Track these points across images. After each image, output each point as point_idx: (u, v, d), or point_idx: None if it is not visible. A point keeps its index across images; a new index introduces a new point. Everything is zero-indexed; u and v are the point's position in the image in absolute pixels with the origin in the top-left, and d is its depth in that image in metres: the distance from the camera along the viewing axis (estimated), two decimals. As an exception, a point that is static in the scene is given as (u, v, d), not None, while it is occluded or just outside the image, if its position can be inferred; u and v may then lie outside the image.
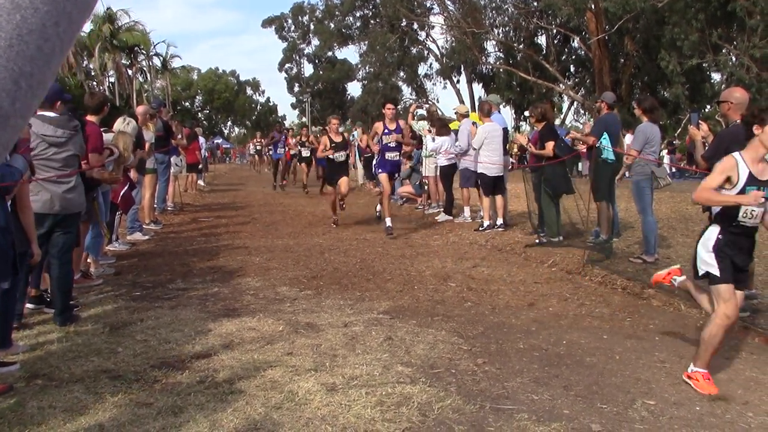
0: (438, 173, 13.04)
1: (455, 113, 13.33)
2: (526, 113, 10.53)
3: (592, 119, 26.85)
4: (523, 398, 4.00)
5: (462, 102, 40.94)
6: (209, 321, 5.55)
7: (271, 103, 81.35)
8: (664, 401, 4.02)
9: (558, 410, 3.83)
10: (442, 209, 12.99)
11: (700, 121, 6.55)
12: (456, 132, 12.37)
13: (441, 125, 12.98)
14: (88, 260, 7.23)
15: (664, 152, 26.81)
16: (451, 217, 12.36)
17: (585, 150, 11.16)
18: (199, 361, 4.53)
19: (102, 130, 6.96)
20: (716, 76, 29.31)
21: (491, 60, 40.55)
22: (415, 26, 43.42)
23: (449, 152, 12.14)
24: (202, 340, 5.01)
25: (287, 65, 63.34)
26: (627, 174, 8.87)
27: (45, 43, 0.50)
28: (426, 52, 46.99)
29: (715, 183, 4.34)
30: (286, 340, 5.02)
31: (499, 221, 11.06)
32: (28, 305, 5.78)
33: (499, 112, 11.72)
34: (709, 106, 28.79)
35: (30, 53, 0.49)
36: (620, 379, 4.41)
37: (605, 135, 8.81)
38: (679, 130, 30.68)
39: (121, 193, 7.78)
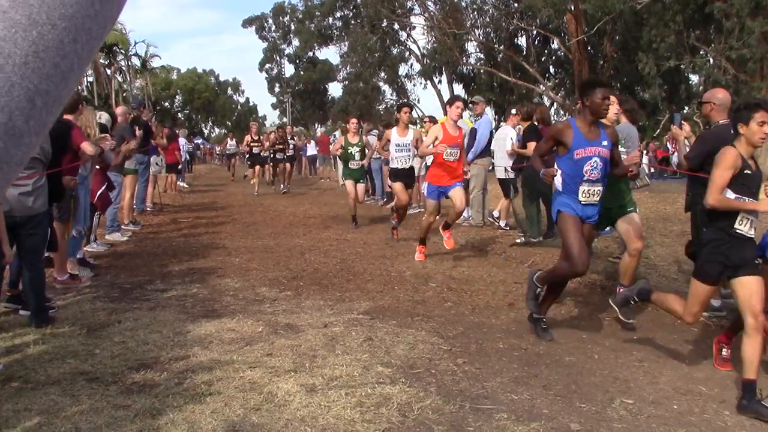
0: (422, 173, 13.05)
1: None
2: (513, 111, 10.62)
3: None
4: (503, 398, 4.02)
5: (443, 103, 41.01)
6: (188, 322, 5.51)
7: (251, 104, 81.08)
8: (643, 400, 4.05)
9: (537, 410, 3.85)
10: (423, 209, 12.99)
11: (682, 122, 6.60)
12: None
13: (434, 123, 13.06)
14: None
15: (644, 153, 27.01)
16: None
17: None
18: (178, 363, 4.50)
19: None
20: (694, 78, 29.64)
21: (472, 61, 40.68)
22: (396, 27, 43.42)
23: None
24: (181, 342, 4.97)
25: (268, 65, 63.08)
26: None
27: (62, 60, 0.50)
28: (407, 53, 47.04)
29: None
30: (265, 341, 5.00)
31: (502, 222, 11.08)
32: (6, 305, 5.73)
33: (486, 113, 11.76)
34: (687, 108, 29.07)
35: (46, 71, 0.49)
36: (599, 379, 4.44)
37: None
38: (658, 130, 30.97)
39: (98, 193, 7.71)
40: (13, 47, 0.47)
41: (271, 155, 19.39)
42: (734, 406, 4.01)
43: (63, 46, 0.49)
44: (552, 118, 13.51)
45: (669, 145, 26.94)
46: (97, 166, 7.56)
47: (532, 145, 9.44)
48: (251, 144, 19.10)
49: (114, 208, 9.66)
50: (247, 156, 20.20)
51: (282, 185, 19.34)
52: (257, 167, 18.96)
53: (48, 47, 0.48)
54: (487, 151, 11.32)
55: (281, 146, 19.08)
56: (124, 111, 10.61)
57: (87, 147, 6.45)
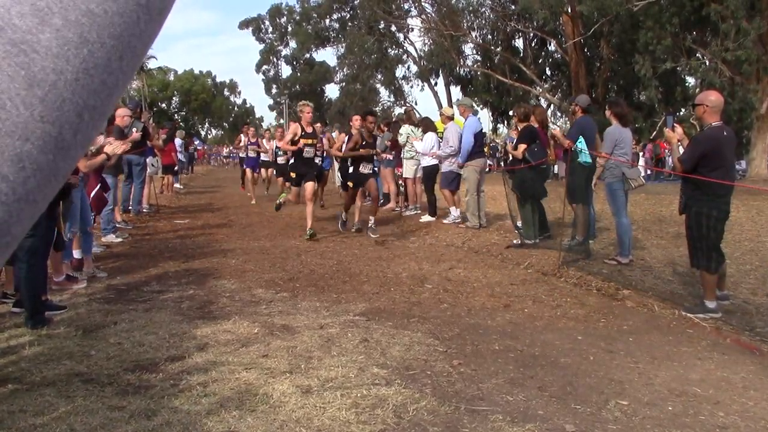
0: (418, 174, 13.14)
1: (441, 115, 13.36)
2: (511, 112, 10.64)
3: (568, 122, 27.09)
4: (498, 399, 4.02)
5: (440, 104, 41.12)
6: (184, 323, 5.51)
7: (248, 105, 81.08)
8: (637, 401, 4.06)
9: (532, 411, 3.85)
10: (422, 211, 13.05)
11: (675, 124, 6.62)
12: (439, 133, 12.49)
13: (427, 123, 13.15)
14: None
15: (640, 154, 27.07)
16: (434, 218, 12.40)
17: (561, 153, 11.25)
18: (173, 364, 4.50)
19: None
20: (691, 80, 29.70)
21: (469, 62, 40.71)
22: (393, 28, 43.44)
23: (436, 154, 12.21)
24: (177, 343, 4.97)
25: (265, 67, 63.18)
26: (595, 180, 8.90)
27: (109, 76, 0.51)
28: (404, 55, 47.08)
29: None
30: (261, 342, 5.00)
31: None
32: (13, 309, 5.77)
33: (474, 114, 11.76)
34: (683, 110, 29.13)
35: (94, 87, 0.51)
36: (594, 380, 4.44)
37: (581, 138, 8.89)
38: (654, 133, 31.06)
39: (92, 194, 7.70)
40: (66, 64, 0.49)
41: (352, 167, 10.82)
42: (729, 407, 4.02)
43: (110, 64, 0.51)
44: (549, 120, 13.53)
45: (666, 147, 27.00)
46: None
47: (521, 148, 9.48)
48: (304, 142, 10.17)
49: (108, 209, 9.65)
50: (291, 162, 10.68)
51: (370, 222, 10.84)
52: (310, 183, 10.29)
53: (97, 65, 0.50)
54: (479, 153, 11.36)
55: (367, 148, 10.70)
56: (125, 113, 10.60)
57: (80, 164, 6.46)
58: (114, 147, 7.39)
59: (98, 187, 7.84)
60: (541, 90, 35.28)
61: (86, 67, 0.50)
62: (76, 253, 7.43)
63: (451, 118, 12.45)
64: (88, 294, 6.63)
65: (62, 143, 0.51)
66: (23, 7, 0.48)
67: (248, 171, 17.57)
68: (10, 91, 0.47)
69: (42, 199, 0.53)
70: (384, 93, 49.34)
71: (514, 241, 9.65)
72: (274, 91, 63.68)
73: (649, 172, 26.14)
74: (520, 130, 9.86)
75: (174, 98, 73.45)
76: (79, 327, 5.36)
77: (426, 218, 12.52)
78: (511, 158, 10.19)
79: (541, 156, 9.49)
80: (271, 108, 67.35)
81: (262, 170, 17.93)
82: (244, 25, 61.28)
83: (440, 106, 40.57)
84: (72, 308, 6.01)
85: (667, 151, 25.89)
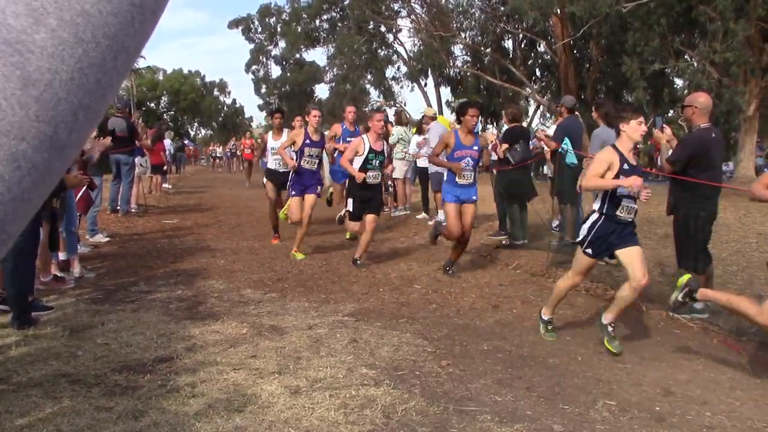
0: (408, 175, 13.20)
1: (423, 116, 13.43)
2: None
3: (556, 123, 27.17)
4: (487, 400, 4.03)
5: (430, 105, 41.13)
6: (172, 324, 5.48)
7: (238, 105, 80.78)
8: (625, 401, 4.07)
9: (521, 411, 3.86)
10: (413, 211, 13.15)
11: (663, 125, 6.64)
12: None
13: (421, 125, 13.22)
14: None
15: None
16: (428, 216, 12.49)
17: (549, 154, 11.27)
18: (161, 365, 4.48)
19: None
20: (679, 82, 29.81)
21: (459, 63, 40.73)
22: (383, 29, 43.41)
23: (420, 155, 12.26)
24: (165, 344, 4.95)
25: (254, 67, 62.90)
26: (580, 181, 8.88)
27: (104, 76, 0.52)
28: (394, 55, 47.03)
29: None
30: (249, 342, 4.99)
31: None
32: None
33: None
34: (671, 111, 29.24)
35: (89, 86, 0.51)
36: (582, 380, 4.46)
37: (566, 140, 8.90)
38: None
39: (79, 194, 7.65)
40: (61, 64, 0.49)
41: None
42: (716, 407, 4.05)
43: (105, 63, 0.52)
44: (536, 121, 13.59)
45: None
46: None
47: (501, 149, 9.49)
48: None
49: (95, 211, 9.59)
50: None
51: None
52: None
53: (92, 64, 0.51)
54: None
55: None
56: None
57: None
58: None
59: (84, 187, 7.80)
60: (530, 91, 35.33)
61: (81, 66, 0.50)
62: (62, 255, 7.38)
63: (434, 118, 12.54)
64: (76, 294, 6.59)
65: (57, 142, 0.51)
66: (18, 7, 0.48)
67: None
68: (5, 90, 0.47)
69: (37, 198, 0.53)
70: (374, 93, 49.32)
71: (503, 242, 9.67)
72: (263, 90, 63.46)
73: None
74: (504, 132, 9.89)
75: (163, 98, 73.04)
76: (66, 327, 5.33)
77: (421, 216, 12.70)
78: (498, 159, 10.19)
79: (522, 157, 9.44)
80: (260, 108, 67.06)
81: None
82: (233, 24, 60.96)
83: (430, 106, 40.58)
84: (59, 308, 5.98)
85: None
